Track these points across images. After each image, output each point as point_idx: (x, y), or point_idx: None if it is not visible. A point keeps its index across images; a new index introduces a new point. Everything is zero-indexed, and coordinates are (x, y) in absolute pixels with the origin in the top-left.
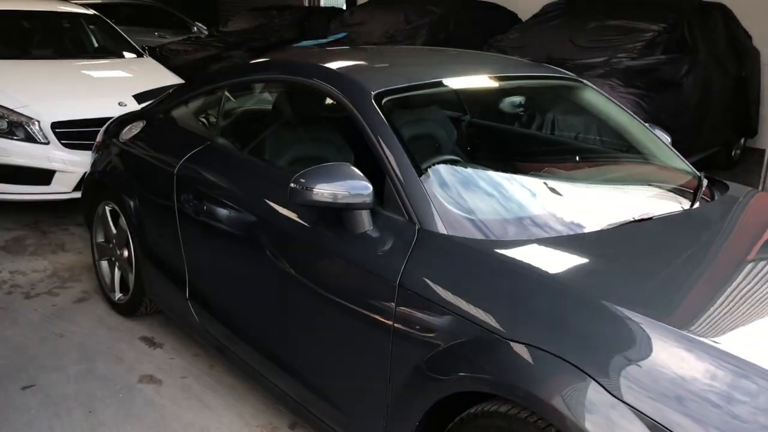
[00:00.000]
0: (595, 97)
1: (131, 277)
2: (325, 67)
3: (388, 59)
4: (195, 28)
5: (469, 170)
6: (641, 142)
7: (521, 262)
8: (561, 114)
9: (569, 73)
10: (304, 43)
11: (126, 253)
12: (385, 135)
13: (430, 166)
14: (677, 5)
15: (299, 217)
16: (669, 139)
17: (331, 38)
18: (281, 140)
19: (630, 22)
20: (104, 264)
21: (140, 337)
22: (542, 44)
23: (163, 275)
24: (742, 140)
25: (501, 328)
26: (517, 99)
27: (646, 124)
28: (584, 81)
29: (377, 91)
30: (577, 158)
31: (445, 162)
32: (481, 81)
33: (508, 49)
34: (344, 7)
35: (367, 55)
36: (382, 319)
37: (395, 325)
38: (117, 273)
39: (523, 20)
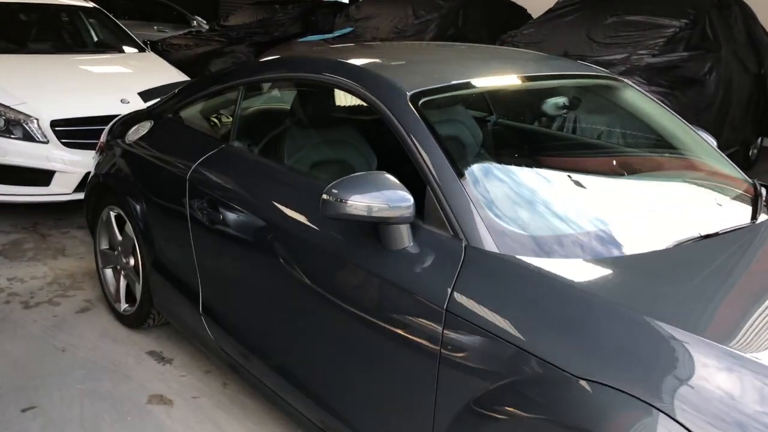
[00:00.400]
0: (637, 97)
1: (138, 288)
2: (353, 65)
3: (418, 56)
4: (195, 22)
5: (519, 180)
6: (688, 146)
7: (587, 286)
8: (601, 115)
9: (608, 71)
10: (309, 38)
11: (132, 262)
12: (425, 140)
13: (475, 175)
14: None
15: (328, 229)
16: (715, 142)
17: (336, 33)
18: (304, 144)
19: (649, 18)
20: (108, 272)
21: (148, 352)
22: (558, 40)
23: (173, 287)
24: (759, 140)
25: (568, 364)
26: (561, 100)
27: (691, 126)
28: (624, 80)
29: (413, 92)
30: (622, 163)
31: (492, 170)
32: (520, 80)
33: (522, 44)
34: (347, 1)
35: (395, 53)
36: (428, 344)
37: (443, 351)
38: (122, 282)
39: (533, 16)
